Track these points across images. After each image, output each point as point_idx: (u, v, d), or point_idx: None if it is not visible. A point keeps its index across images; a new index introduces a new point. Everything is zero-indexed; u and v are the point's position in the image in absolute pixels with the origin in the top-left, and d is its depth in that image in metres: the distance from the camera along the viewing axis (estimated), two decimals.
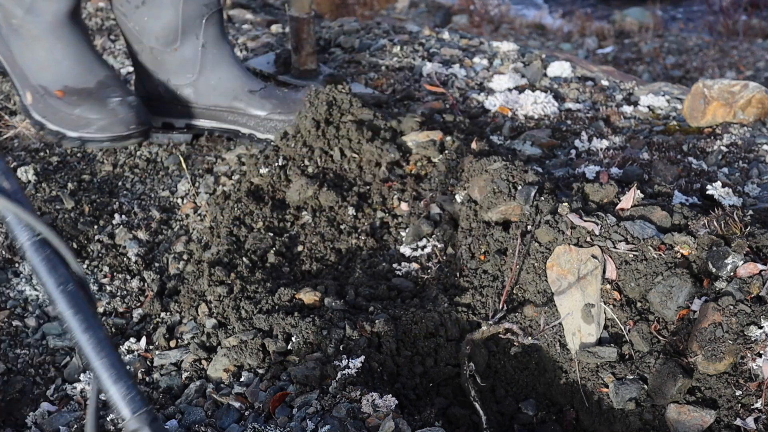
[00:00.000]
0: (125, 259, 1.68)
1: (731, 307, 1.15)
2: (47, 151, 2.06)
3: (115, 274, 1.64)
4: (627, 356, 1.26)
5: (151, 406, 0.81)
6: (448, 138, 1.87)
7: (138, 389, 0.81)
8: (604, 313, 1.30)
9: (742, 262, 1.21)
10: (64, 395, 1.31)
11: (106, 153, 2.11)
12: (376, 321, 1.32)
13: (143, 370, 1.35)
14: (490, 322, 1.31)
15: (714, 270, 1.23)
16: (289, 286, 1.46)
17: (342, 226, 1.68)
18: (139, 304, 1.56)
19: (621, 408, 1.22)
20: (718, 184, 1.57)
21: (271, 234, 1.65)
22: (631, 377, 1.23)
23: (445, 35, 2.98)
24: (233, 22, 3.23)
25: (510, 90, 2.32)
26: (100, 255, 1.69)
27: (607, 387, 1.25)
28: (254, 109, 1.99)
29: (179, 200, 1.90)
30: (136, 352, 1.41)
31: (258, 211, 1.71)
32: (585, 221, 1.35)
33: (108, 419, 1.19)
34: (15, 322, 1.49)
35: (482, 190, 1.58)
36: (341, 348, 1.29)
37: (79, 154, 2.09)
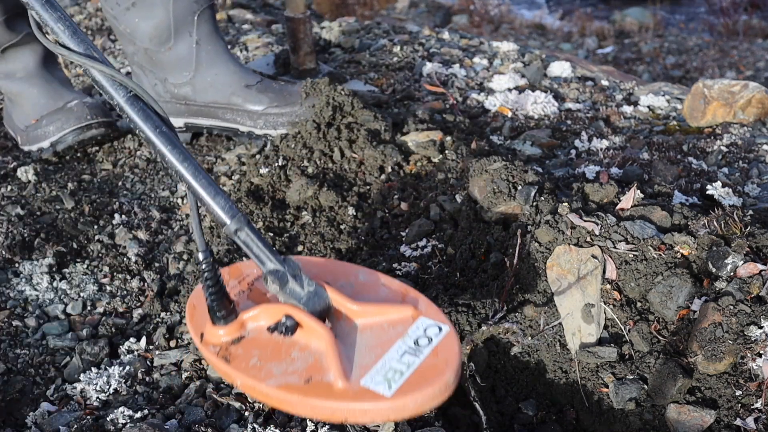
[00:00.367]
0: (125, 259, 1.68)
1: (731, 307, 1.15)
2: None
3: (115, 274, 1.64)
4: (627, 356, 1.26)
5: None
6: (448, 138, 1.87)
7: (231, 201, 0.95)
8: (604, 313, 1.30)
9: (742, 262, 1.21)
10: (64, 395, 1.31)
11: (106, 153, 2.11)
12: None
13: (143, 370, 1.34)
14: (490, 322, 1.31)
15: (714, 270, 1.23)
16: None
17: (342, 226, 1.68)
18: (139, 304, 1.56)
19: (621, 408, 1.22)
20: (718, 184, 1.57)
21: (271, 234, 1.65)
22: (631, 377, 1.23)
23: (445, 35, 2.98)
24: (233, 22, 3.23)
25: (510, 90, 2.32)
26: (100, 255, 1.69)
27: (607, 387, 1.25)
28: (252, 104, 1.99)
29: (179, 200, 1.90)
30: (136, 352, 1.41)
31: (258, 211, 1.71)
32: (585, 221, 1.35)
33: (108, 419, 1.18)
34: (15, 322, 1.49)
35: (482, 190, 1.58)
36: None
37: (79, 154, 2.10)
